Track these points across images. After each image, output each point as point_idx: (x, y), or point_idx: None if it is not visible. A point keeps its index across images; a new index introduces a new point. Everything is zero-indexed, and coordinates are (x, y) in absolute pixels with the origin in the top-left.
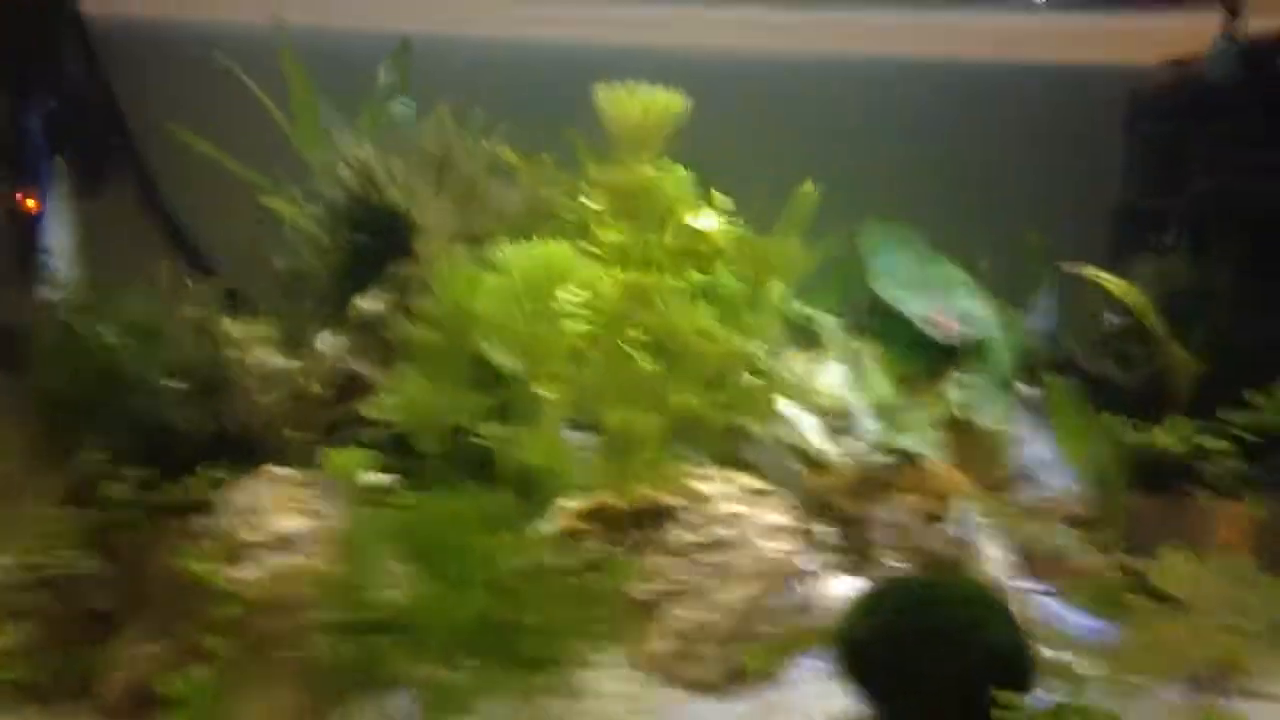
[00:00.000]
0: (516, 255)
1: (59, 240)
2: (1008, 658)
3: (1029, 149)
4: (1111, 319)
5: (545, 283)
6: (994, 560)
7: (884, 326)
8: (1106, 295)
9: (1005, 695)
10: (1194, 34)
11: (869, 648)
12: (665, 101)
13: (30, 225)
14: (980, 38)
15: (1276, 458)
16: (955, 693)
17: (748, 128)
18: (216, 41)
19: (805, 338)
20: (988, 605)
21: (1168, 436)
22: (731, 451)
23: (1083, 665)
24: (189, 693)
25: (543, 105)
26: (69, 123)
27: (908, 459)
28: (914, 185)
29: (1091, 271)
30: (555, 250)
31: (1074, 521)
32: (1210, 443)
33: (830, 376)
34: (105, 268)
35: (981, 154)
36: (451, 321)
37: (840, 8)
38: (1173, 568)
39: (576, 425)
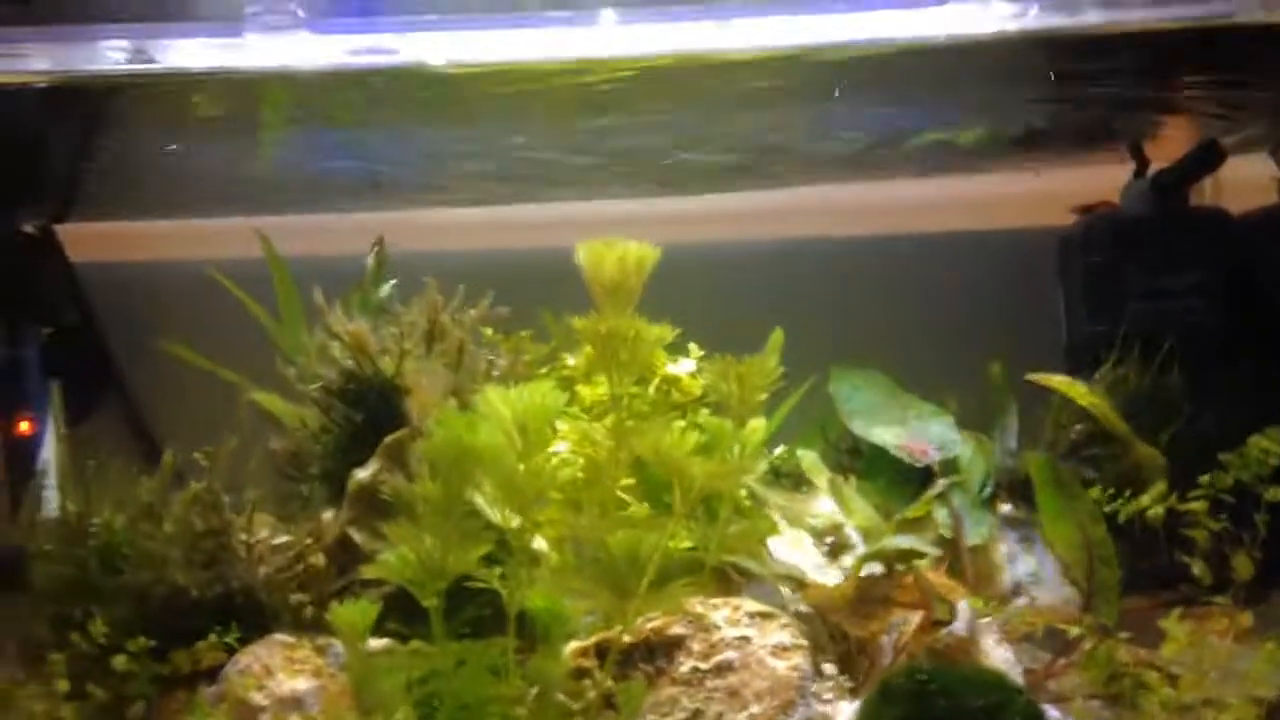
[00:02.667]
0: (503, 399)
1: (52, 462)
2: None
3: (982, 305)
4: (1075, 426)
5: (535, 422)
6: (1001, 659)
7: (865, 464)
8: (1069, 405)
9: None
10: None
11: None
12: (640, 252)
13: (25, 449)
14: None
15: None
16: None
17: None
18: (193, 279)
19: (790, 480)
20: (1005, 689)
21: (1150, 500)
22: (728, 588)
23: None
24: None
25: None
26: (60, 353)
27: (905, 567)
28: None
29: (1056, 379)
30: (541, 389)
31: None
32: (1192, 505)
33: (818, 506)
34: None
35: (942, 312)
36: (444, 472)
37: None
38: (1175, 637)
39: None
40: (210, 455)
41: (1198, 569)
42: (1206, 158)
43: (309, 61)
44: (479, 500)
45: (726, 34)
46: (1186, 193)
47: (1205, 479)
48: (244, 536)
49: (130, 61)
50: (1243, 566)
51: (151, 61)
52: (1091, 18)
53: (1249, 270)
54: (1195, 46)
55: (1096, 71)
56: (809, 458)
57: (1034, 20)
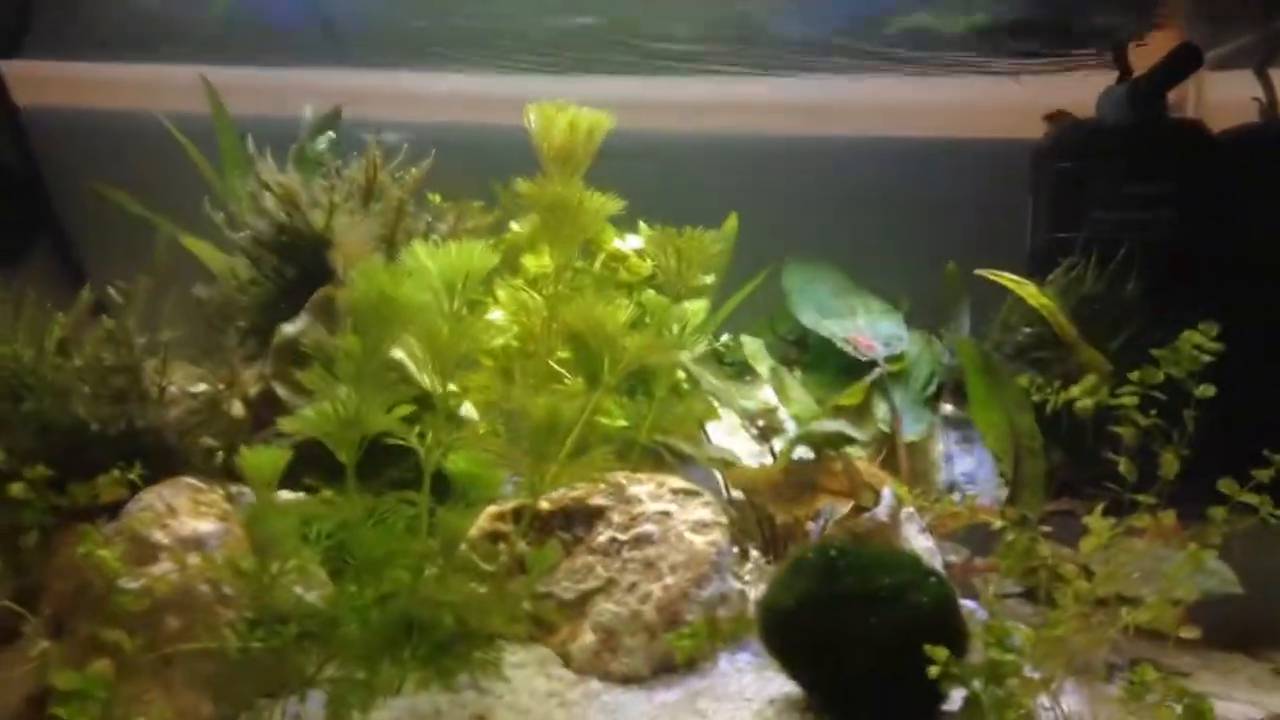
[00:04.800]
0: (431, 254)
1: None
2: (938, 618)
3: (950, 212)
4: (1024, 328)
5: (463, 282)
6: (922, 547)
7: (811, 356)
8: (1020, 305)
9: (939, 651)
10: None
11: (794, 614)
12: (592, 119)
13: None
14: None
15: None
16: (884, 655)
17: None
18: (141, 127)
19: (734, 367)
20: (914, 569)
21: (1079, 392)
22: (663, 469)
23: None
24: (85, 687)
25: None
26: None
27: (835, 453)
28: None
29: (1007, 277)
30: (469, 248)
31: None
32: (1122, 400)
33: (759, 394)
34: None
35: (910, 216)
36: (364, 323)
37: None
38: (1096, 533)
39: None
40: (125, 292)
41: (1124, 466)
42: (1181, 64)
43: None
44: (406, 360)
45: None
46: (1162, 101)
47: (1136, 374)
48: (156, 377)
49: None
50: (1169, 465)
51: None
52: None
53: (1219, 185)
54: None
55: None
56: (752, 345)
57: None
